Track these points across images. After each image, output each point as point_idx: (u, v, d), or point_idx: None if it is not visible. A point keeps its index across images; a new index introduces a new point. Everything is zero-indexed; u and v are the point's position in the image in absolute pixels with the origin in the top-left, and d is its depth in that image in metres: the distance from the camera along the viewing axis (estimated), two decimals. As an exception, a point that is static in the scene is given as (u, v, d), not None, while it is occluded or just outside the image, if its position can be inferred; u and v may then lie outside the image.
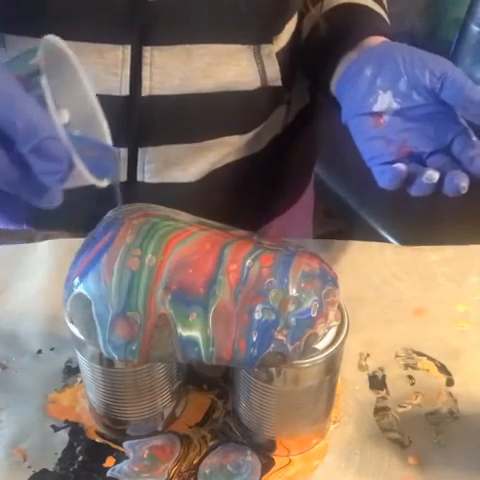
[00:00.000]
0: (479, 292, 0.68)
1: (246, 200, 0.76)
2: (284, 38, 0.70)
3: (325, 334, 0.48)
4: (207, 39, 0.63)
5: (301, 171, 0.88)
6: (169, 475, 0.52)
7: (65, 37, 0.60)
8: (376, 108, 0.58)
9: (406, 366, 0.61)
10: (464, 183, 0.54)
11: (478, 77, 1.69)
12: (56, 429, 0.56)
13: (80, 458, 0.54)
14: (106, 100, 0.62)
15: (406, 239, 0.76)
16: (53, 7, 0.59)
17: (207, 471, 0.53)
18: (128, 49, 0.61)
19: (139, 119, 0.65)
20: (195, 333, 0.45)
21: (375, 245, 0.74)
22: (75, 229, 0.66)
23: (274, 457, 0.54)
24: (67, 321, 0.49)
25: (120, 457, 0.54)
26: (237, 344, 0.45)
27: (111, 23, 0.60)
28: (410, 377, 0.60)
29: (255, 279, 0.45)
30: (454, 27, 1.76)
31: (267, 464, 0.53)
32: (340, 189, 1.48)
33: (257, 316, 0.45)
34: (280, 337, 0.45)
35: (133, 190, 0.69)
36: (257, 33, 0.66)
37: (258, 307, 0.45)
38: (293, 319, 0.45)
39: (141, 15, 0.60)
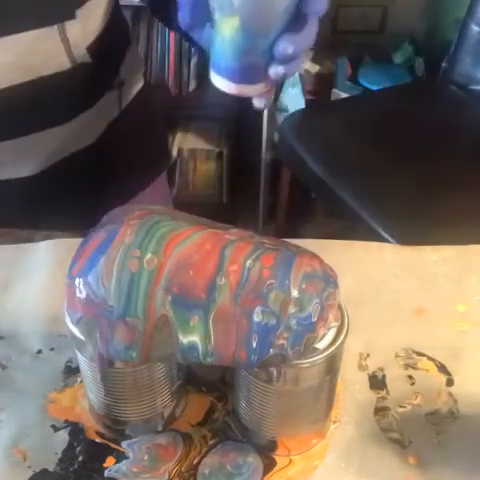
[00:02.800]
0: (479, 292, 0.68)
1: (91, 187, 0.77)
2: (95, 20, 0.68)
3: (325, 334, 0.48)
4: (12, 29, 0.61)
5: (147, 152, 0.86)
6: (170, 475, 0.52)
7: None
8: None
9: (406, 366, 0.61)
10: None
11: (478, 77, 1.69)
12: (56, 429, 0.56)
13: (80, 458, 0.54)
14: None
15: (406, 239, 0.76)
16: None
17: (206, 471, 0.53)
18: None
19: None
20: (195, 338, 0.45)
21: (375, 245, 0.74)
22: (75, 229, 0.66)
23: (275, 457, 0.54)
24: (67, 321, 0.49)
25: (120, 457, 0.54)
26: (237, 347, 0.45)
27: None
28: (410, 377, 0.60)
29: (255, 280, 0.45)
30: (454, 27, 1.76)
31: (269, 464, 0.53)
32: (340, 189, 1.47)
33: (257, 318, 0.44)
34: (280, 341, 0.45)
35: None
36: (58, 11, 0.63)
37: (257, 309, 0.44)
38: (294, 322, 0.45)
39: None
